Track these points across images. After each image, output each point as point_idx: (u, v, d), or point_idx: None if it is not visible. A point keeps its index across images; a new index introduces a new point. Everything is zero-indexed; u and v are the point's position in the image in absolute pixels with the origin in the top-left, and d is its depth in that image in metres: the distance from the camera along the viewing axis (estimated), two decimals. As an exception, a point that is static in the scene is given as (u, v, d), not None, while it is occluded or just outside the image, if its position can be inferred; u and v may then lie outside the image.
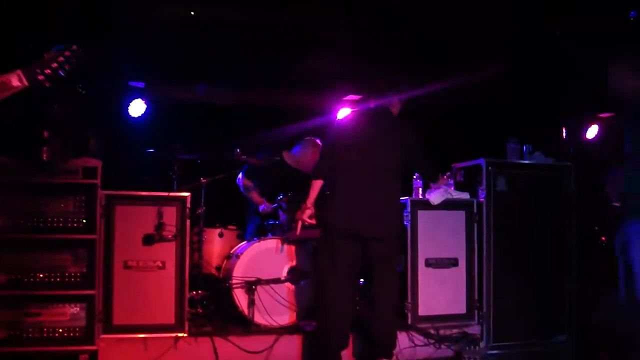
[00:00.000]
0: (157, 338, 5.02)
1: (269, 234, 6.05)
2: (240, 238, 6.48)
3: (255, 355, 5.15)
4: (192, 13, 6.82)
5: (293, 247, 5.69)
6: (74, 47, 3.53)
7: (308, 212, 5.01)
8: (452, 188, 6.07)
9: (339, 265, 4.83)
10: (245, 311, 5.44)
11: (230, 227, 6.56)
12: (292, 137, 7.14)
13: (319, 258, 5.01)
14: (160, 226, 5.09)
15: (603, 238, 7.47)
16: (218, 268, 6.17)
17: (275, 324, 5.45)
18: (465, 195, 6.01)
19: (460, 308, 5.88)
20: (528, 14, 6.74)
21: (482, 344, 5.75)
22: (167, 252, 5.14)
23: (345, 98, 8.59)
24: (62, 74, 3.51)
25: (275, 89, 8.48)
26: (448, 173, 6.19)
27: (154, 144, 6.17)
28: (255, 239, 5.90)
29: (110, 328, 4.96)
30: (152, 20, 6.84)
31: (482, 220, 5.92)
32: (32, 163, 4.92)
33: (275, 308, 5.51)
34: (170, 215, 5.15)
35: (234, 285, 5.48)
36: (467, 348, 5.54)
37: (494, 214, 5.92)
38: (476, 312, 5.89)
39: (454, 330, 5.75)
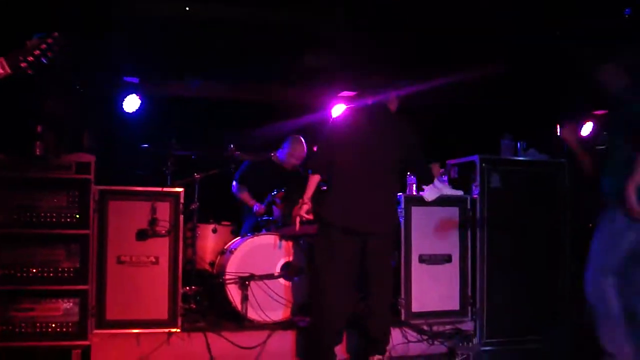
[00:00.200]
0: (150, 333, 5.02)
1: (263, 229, 6.05)
2: (234, 234, 6.49)
3: (248, 351, 5.14)
4: (188, 9, 6.83)
5: (287, 243, 5.68)
6: (56, 34, 3.54)
7: (305, 207, 5.01)
8: (446, 184, 6.08)
9: (335, 261, 4.84)
10: (239, 307, 5.43)
11: (224, 223, 6.56)
12: (287, 133, 7.15)
13: (315, 254, 5.02)
14: (153, 221, 5.08)
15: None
16: (212, 264, 6.17)
17: (268, 319, 5.45)
18: (459, 192, 6.01)
19: (454, 304, 5.87)
20: (525, 13, 6.76)
21: (475, 340, 5.76)
22: (160, 247, 5.12)
23: (340, 94, 8.59)
24: (45, 61, 3.52)
25: (270, 85, 8.49)
26: (442, 169, 6.20)
27: (148, 139, 6.16)
28: (249, 234, 5.90)
29: (103, 323, 4.96)
30: (147, 17, 6.84)
31: (476, 217, 5.92)
32: (25, 158, 4.90)
33: (269, 304, 5.50)
34: (163, 210, 5.14)
35: (228, 281, 5.48)
36: (461, 344, 5.55)
37: (487, 210, 5.91)
38: (469, 308, 5.89)
39: (447, 327, 5.75)
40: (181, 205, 5.20)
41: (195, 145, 6.14)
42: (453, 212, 5.93)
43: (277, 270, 5.60)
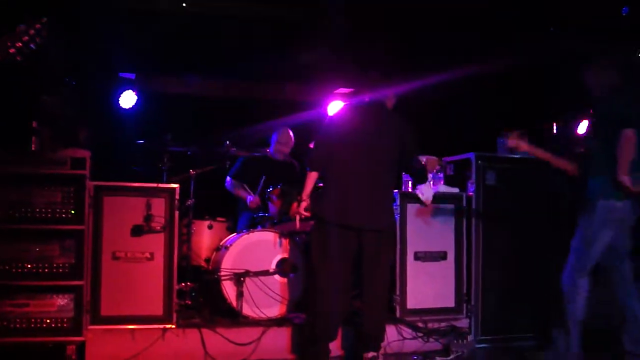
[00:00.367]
0: (145, 329, 5.02)
1: (259, 226, 6.05)
2: (230, 230, 6.48)
3: (243, 347, 5.15)
4: (185, 5, 6.82)
5: (283, 240, 5.68)
6: (44, 19, 3.53)
7: (304, 204, 5.03)
8: (442, 182, 6.08)
9: (331, 258, 4.84)
10: (234, 303, 5.43)
11: (220, 219, 6.55)
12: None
13: (311, 250, 5.02)
14: (148, 217, 5.08)
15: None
16: (207, 260, 6.16)
17: (263, 316, 5.45)
18: (454, 189, 6.02)
19: (449, 301, 5.88)
20: (522, 10, 6.76)
21: (470, 338, 5.77)
22: (155, 243, 5.12)
23: (336, 91, 8.59)
24: (34, 47, 3.50)
25: (266, 81, 8.48)
26: (438, 167, 6.19)
27: (144, 135, 6.15)
28: (244, 230, 5.90)
29: (97, 319, 4.96)
30: (144, 12, 6.83)
31: (472, 214, 5.92)
32: (20, 153, 4.89)
33: (264, 300, 5.50)
34: (159, 206, 5.13)
35: (223, 277, 5.47)
36: (455, 341, 5.56)
37: (483, 207, 5.92)
38: (465, 305, 5.90)
39: (443, 324, 5.76)
40: (176, 201, 5.20)
41: (191, 142, 6.13)
42: (449, 209, 5.93)
43: (273, 266, 5.60)
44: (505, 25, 7.01)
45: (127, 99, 7.68)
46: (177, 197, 5.21)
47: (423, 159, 5.38)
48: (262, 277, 5.52)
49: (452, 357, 5.44)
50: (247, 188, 6.65)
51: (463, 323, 5.85)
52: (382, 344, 5.11)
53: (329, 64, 7.66)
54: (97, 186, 5.02)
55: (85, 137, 5.60)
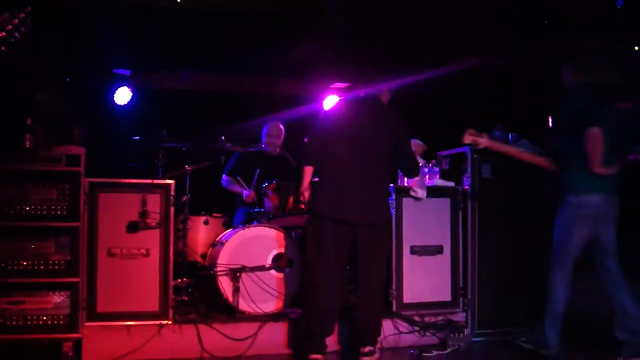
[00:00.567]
0: (141, 325, 5.02)
1: (255, 221, 6.05)
2: (226, 226, 6.48)
3: (239, 343, 5.15)
4: (179, 0, 6.81)
5: (279, 234, 5.68)
6: (29, 9, 3.51)
7: (307, 194, 5.11)
8: (438, 176, 6.08)
9: (326, 252, 4.85)
10: (230, 299, 5.44)
11: (216, 214, 6.54)
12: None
13: (307, 245, 5.02)
14: (144, 213, 5.07)
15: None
16: (203, 256, 6.16)
17: (260, 311, 5.45)
18: (450, 183, 6.02)
19: (445, 295, 5.89)
20: (520, 8, 6.77)
21: (466, 331, 5.78)
22: (151, 239, 5.12)
23: (332, 86, 8.59)
24: (18, 35, 3.48)
25: (261, 76, 8.47)
26: (433, 161, 6.20)
27: (139, 131, 6.15)
28: (240, 226, 5.90)
29: (94, 316, 4.96)
30: (138, 8, 6.82)
31: (467, 208, 5.93)
32: (15, 151, 4.88)
33: (260, 295, 5.50)
34: (154, 202, 5.13)
35: (219, 273, 5.47)
36: (452, 335, 5.56)
37: (479, 201, 5.92)
38: (461, 299, 5.91)
39: (439, 318, 5.77)
40: (172, 197, 5.20)
41: (187, 137, 6.13)
42: (444, 203, 5.94)
43: (269, 262, 5.60)
44: (503, 24, 7.01)
45: (122, 96, 7.68)
46: (172, 193, 5.21)
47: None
48: (258, 273, 5.53)
49: (448, 350, 5.45)
50: (243, 183, 6.66)
51: (459, 317, 5.86)
52: (379, 339, 5.11)
53: (324, 59, 7.66)
54: (93, 183, 5.01)
55: (80, 134, 5.60)
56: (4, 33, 3.43)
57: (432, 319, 5.73)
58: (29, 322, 4.76)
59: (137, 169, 6.06)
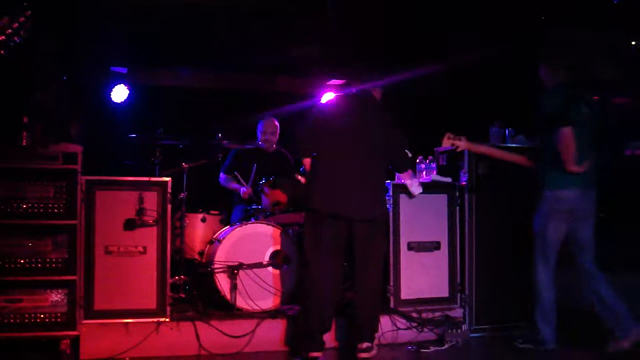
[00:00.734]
0: (139, 323, 5.02)
1: (252, 218, 6.05)
2: (224, 223, 6.48)
3: (237, 340, 5.15)
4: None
5: (276, 231, 5.69)
6: (28, 12, 3.50)
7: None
8: (435, 172, 6.09)
9: (322, 247, 4.86)
10: (228, 296, 5.44)
11: (213, 212, 6.53)
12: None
13: (304, 241, 5.02)
14: (141, 211, 5.07)
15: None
16: (201, 253, 6.16)
17: (257, 308, 5.46)
18: (447, 179, 6.02)
19: (443, 291, 5.89)
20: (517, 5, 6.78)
21: (464, 327, 5.75)
22: (148, 237, 5.12)
23: (329, 83, 8.59)
24: (18, 40, 3.48)
25: (258, 74, 8.47)
26: (430, 157, 6.20)
27: (136, 129, 6.15)
28: (237, 223, 5.90)
29: (91, 313, 4.96)
30: (135, 5, 6.82)
31: (464, 204, 5.93)
32: (11, 148, 4.88)
33: (258, 292, 5.51)
34: (151, 200, 5.13)
35: (216, 270, 5.48)
36: (450, 331, 5.55)
37: (476, 197, 5.92)
38: (458, 295, 5.91)
39: (437, 314, 5.77)
40: (169, 195, 5.20)
41: (183, 135, 6.13)
42: (442, 199, 5.94)
43: (266, 259, 5.61)
44: (500, 20, 7.01)
45: (119, 93, 7.67)
46: (169, 190, 5.21)
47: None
48: (255, 270, 5.53)
49: (446, 346, 5.45)
50: (240, 179, 6.66)
51: (457, 313, 5.86)
52: (376, 335, 5.13)
53: (322, 56, 7.67)
54: (90, 181, 5.02)
55: (77, 131, 5.60)
56: (3, 37, 3.42)
57: (430, 315, 5.73)
58: (26, 320, 4.76)
59: (134, 167, 6.06)
